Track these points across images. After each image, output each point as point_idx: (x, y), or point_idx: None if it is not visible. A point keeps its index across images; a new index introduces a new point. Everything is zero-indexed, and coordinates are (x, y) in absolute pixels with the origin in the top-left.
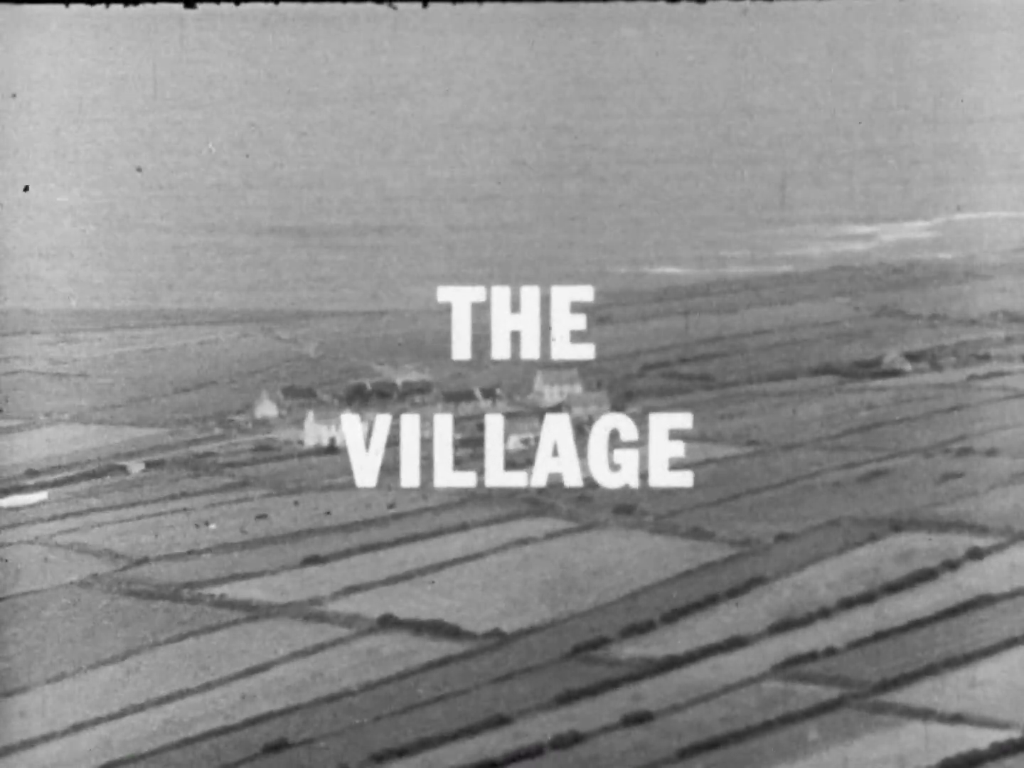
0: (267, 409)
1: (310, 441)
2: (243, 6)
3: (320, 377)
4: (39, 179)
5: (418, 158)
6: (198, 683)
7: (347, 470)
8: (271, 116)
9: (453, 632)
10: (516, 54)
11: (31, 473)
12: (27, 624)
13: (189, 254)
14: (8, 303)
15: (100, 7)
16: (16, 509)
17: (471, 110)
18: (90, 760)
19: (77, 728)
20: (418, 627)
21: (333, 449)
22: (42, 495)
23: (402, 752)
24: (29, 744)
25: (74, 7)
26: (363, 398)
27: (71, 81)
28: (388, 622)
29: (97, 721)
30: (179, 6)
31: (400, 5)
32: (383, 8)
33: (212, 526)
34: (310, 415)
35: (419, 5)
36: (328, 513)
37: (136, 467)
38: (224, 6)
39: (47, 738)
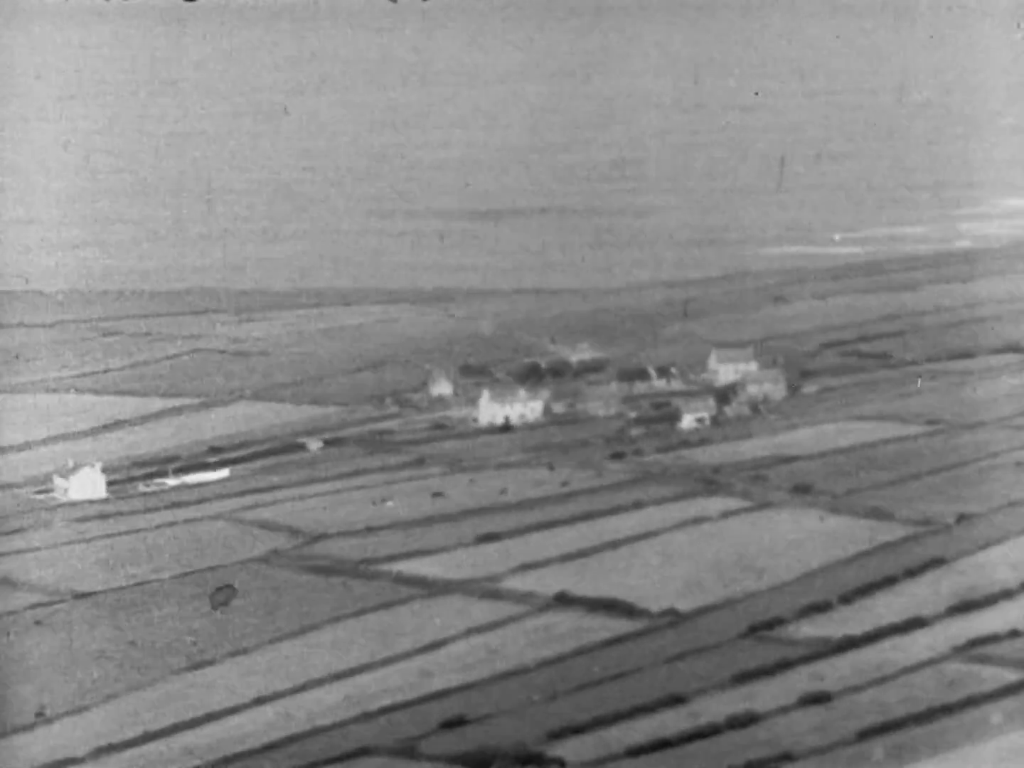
0: (443, 387)
1: (485, 419)
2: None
3: (495, 355)
4: (204, 161)
5: (591, 141)
6: (376, 658)
7: (522, 447)
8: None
9: (628, 610)
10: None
11: (214, 451)
12: (211, 599)
13: (366, 235)
14: (189, 283)
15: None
16: (200, 486)
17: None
18: (272, 732)
19: (260, 701)
20: (593, 605)
21: (508, 427)
22: (224, 472)
23: (578, 730)
24: (214, 716)
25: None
26: (537, 376)
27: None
28: (563, 599)
29: (278, 695)
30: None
31: None
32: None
33: (389, 503)
34: (485, 393)
35: None
36: (504, 491)
37: (315, 445)
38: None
39: (231, 711)
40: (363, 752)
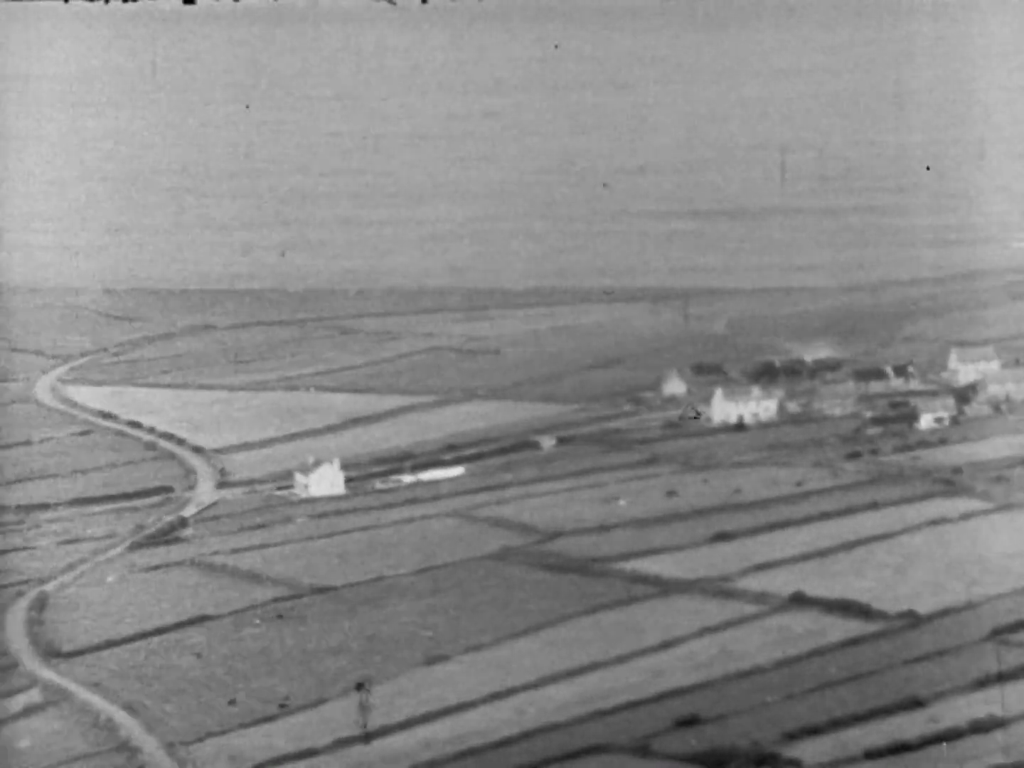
0: (676, 386)
1: (718, 418)
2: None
3: (728, 354)
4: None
5: (822, 141)
6: (610, 657)
7: (756, 447)
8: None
9: (865, 612)
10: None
11: (449, 448)
12: (446, 595)
13: (602, 235)
14: (423, 281)
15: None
16: (436, 483)
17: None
18: (507, 728)
19: (494, 697)
20: (829, 606)
21: (742, 426)
22: (459, 469)
23: (814, 731)
24: (450, 711)
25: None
26: (771, 375)
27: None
28: (799, 600)
29: (512, 691)
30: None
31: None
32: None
33: (622, 501)
34: (718, 392)
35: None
36: (737, 490)
37: (548, 443)
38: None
39: (465, 706)
40: (597, 749)
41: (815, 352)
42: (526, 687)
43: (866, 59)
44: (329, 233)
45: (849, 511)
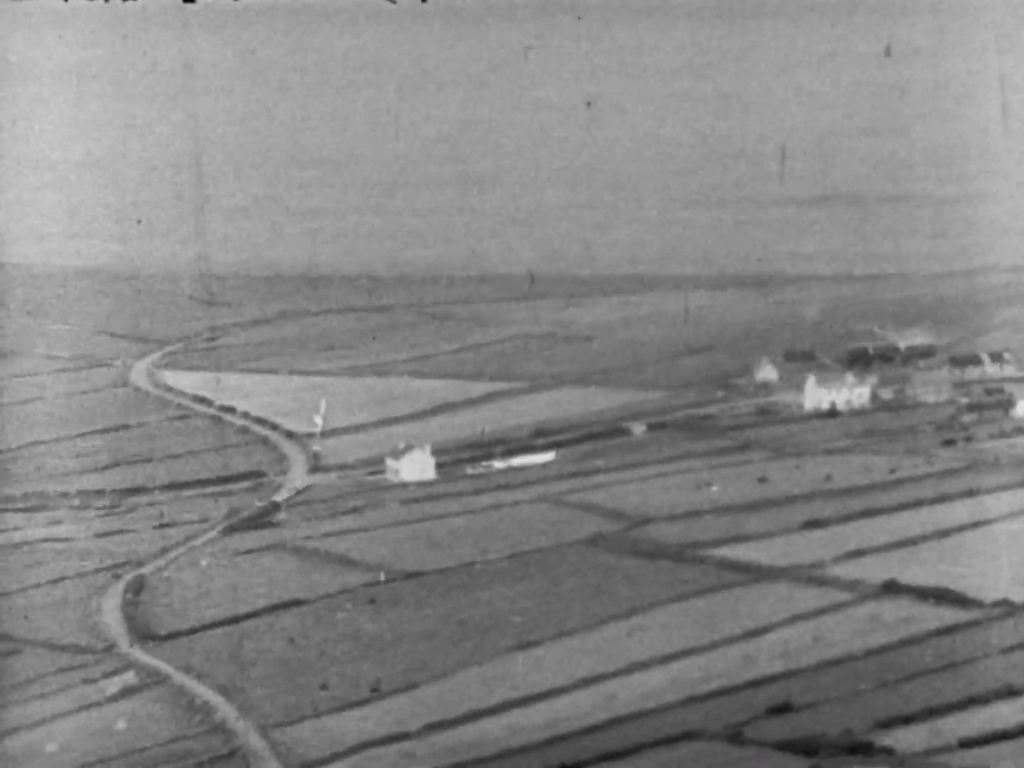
0: (767, 373)
1: (810, 405)
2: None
3: (820, 341)
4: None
5: (914, 127)
6: (701, 643)
7: (849, 434)
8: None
9: (959, 600)
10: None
11: (539, 433)
12: (536, 580)
13: (692, 223)
14: (514, 268)
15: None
16: (526, 468)
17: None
18: (598, 714)
19: (585, 682)
20: (923, 594)
21: (834, 413)
22: (549, 455)
23: (908, 720)
24: (541, 696)
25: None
26: (865, 362)
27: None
28: (891, 588)
29: (603, 676)
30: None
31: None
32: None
33: (714, 488)
34: (811, 379)
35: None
36: (829, 477)
37: (638, 429)
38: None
39: (558, 691)
40: (689, 736)
41: (909, 338)
42: (617, 673)
43: (968, 43)
44: (420, 220)
45: (943, 498)
